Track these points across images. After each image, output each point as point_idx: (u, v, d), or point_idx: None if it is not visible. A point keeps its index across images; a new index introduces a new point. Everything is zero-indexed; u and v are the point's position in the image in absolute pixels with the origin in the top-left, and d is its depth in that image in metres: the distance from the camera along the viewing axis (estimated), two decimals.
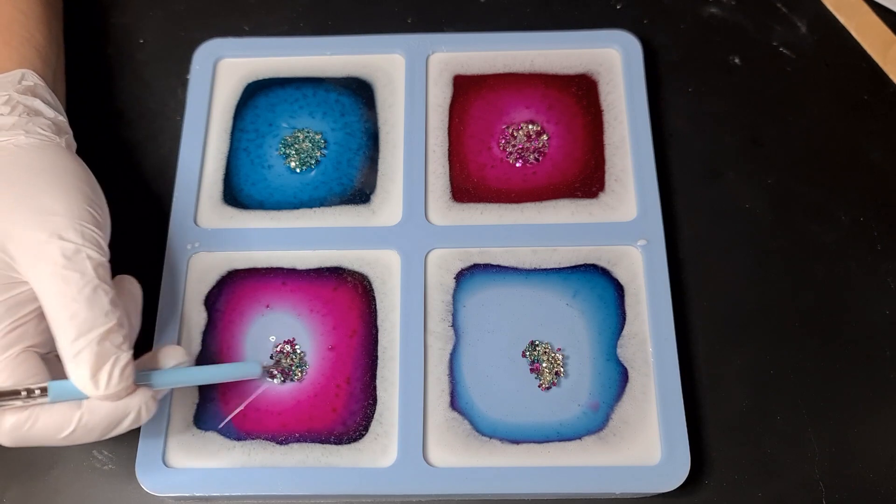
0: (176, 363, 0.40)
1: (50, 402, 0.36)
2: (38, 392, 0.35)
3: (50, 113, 0.42)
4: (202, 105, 0.51)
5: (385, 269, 0.46)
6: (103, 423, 0.37)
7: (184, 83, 0.53)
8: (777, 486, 0.43)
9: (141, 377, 0.38)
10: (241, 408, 0.43)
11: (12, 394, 0.35)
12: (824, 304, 0.47)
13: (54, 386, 0.36)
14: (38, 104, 0.42)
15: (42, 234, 0.37)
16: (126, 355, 0.37)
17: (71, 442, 0.37)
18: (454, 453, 0.42)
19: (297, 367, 0.44)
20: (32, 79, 0.43)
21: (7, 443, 0.36)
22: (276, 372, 0.43)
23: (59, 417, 0.36)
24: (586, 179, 0.48)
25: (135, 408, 0.37)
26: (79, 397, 0.36)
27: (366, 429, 0.43)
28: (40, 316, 0.37)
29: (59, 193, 0.39)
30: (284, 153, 0.49)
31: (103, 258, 0.38)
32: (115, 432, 0.37)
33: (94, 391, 0.36)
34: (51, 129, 0.42)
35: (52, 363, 0.38)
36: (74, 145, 0.44)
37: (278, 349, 0.44)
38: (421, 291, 0.45)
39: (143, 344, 0.41)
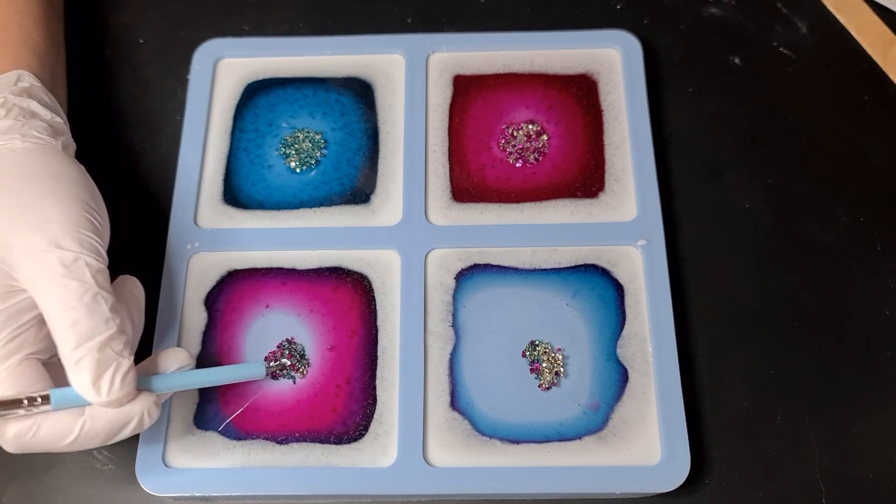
0: (178, 366, 0.40)
1: (52, 409, 0.36)
2: (40, 400, 0.36)
3: (46, 115, 0.42)
4: (202, 105, 0.51)
5: (385, 269, 0.46)
6: (106, 429, 0.37)
7: (184, 83, 0.53)
8: (777, 486, 0.43)
9: (143, 382, 0.38)
10: (242, 409, 0.43)
11: (14, 403, 0.35)
12: (824, 304, 0.47)
13: (56, 393, 0.36)
14: (34, 106, 0.42)
15: (40, 243, 0.37)
16: (127, 362, 0.37)
17: (74, 448, 0.37)
18: (454, 453, 0.42)
19: (298, 362, 0.44)
20: (28, 80, 0.43)
21: (12, 450, 0.37)
22: (280, 372, 0.43)
23: (61, 425, 0.36)
24: (586, 179, 0.48)
25: (137, 414, 0.37)
26: (81, 404, 0.36)
27: (366, 429, 0.43)
28: (41, 322, 0.37)
29: (56, 200, 0.38)
30: (284, 153, 0.49)
31: (102, 265, 0.38)
32: (117, 438, 0.38)
33: (96, 398, 0.36)
34: (47, 132, 0.41)
35: (55, 368, 0.38)
36: (73, 146, 0.44)
37: (278, 346, 0.44)
38: (421, 291, 0.45)
39: (143, 344, 0.41)
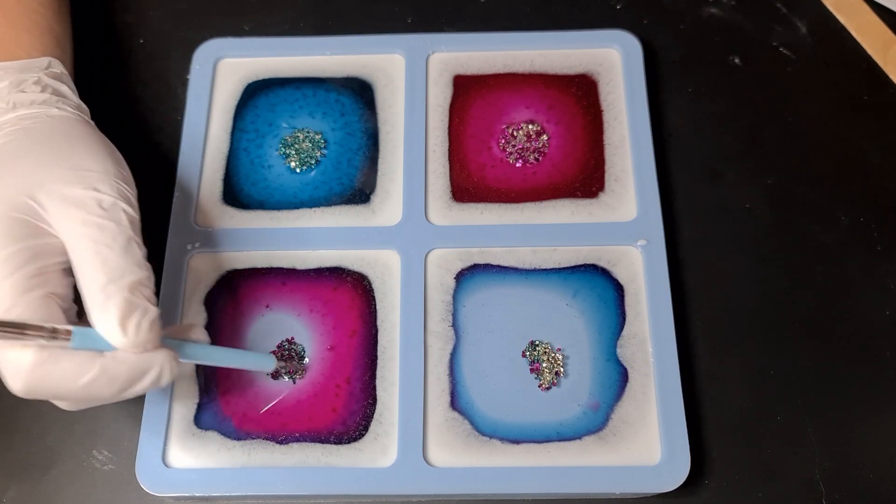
0: (196, 339, 0.40)
1: (73, 347, 0.35)
2: (62, 333, 0.34)
3: (75, 99, 0.44)
4: (202, 105, 0.51)
5: (385, 269, 0.46)
6: (126, 373, 0.36)
7: (184, 83, 0.53)
8: (777, 486, 0.43)
9: (164, 343, 0.38)
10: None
11: (38, 329, 0.34)
12: (824, 304, 0.47)
13: (78, 331, 0.35)
14: (64, 89, 0.43)
15: (79, 185, 0.38)
16: (155, 310, 0.36)
17: (90, 393, 0.36)
18: (454, 453, 0.42)
19: (298, 359, 0.44)
20: (58, 67, 0.44)
21: (24, 385, 0.35)
22: (284, 371, 0.44)
23: (81, 362, 0.35)
24: (586, 179, 0.48)
25: (158, 363, 0.36)
26: (102, 348, 0.35)
27: (366, 429, 0.43)
28: (65, 271, 0.37)
29: (93, 154, 0.40)
30: (284, 153, 0.49)
31: (136, 216, 0.39)
32: (135, 389, 0.36)
33: (121, 339, 0.35)
34: (79, 110, 0.43)
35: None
36: None
37: (278, 347, 0.44)
38: (421, 291, 0.45)
39: None
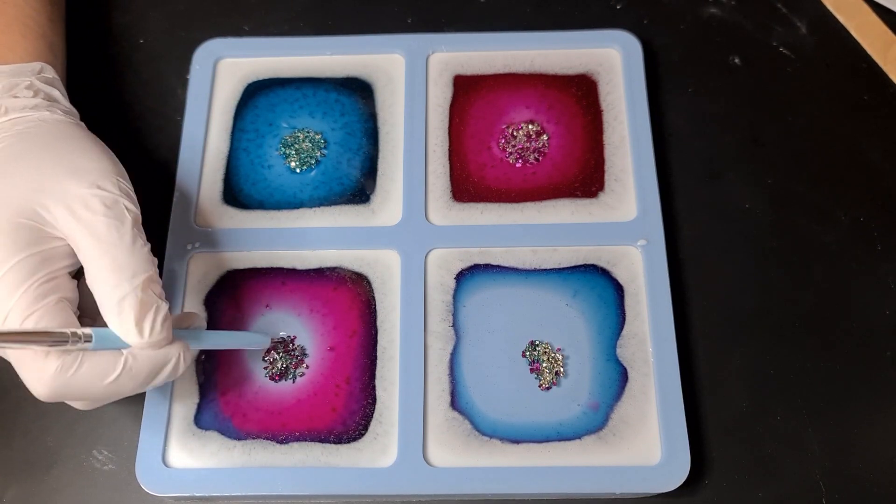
0: (194, 326, 0.41)
1: (92, 349, 0.35)
2: (82, 337, 0.35)
3: (66, 104, 0.44)
4: (202, 105, 0.51)
5: (385, 269, 0.46)
6: (146, 368, 0.37)
7: (184, 83, 0.53)
8: (777, 486, 0.43)
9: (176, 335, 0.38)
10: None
11: (60, 336, 0.34)
12: (824, 304, 0.47)
13: (98, 333, 0.36)
14: (56, 94, 0.43)
15: (80, 186, 0.38)
16: (166, 305, 0.37)
17: (113, 391, 0.36)
18: (454, 453, 0.42)
19: (298, 358, 0.44)
20: (50, 72, 0.44)
21: (50, 390, 0.35)
22: (278, 350, 0.44)
23: (104, 362, 0.36)
24: (586, 179, 0.48)
25: (174, 355, 0.38)
26: (120, 346, 0.36)
27: (365, 428, 0.43)
28: (71, 274, 0.38)
29: (90, 153, 0.40)
30: (284, 153, 0.49)
31: (138, 211, 0.39)
32: (156, 381, 0.38)
33: (138, 340, 0.36)
34: (70, 115, 0.43)
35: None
36: None
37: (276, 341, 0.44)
38: (421, 291, 0.45)
39: None
